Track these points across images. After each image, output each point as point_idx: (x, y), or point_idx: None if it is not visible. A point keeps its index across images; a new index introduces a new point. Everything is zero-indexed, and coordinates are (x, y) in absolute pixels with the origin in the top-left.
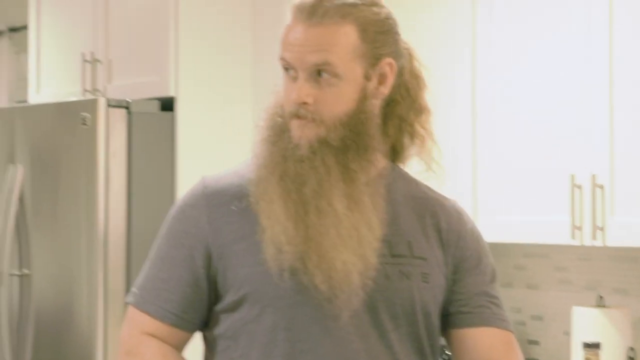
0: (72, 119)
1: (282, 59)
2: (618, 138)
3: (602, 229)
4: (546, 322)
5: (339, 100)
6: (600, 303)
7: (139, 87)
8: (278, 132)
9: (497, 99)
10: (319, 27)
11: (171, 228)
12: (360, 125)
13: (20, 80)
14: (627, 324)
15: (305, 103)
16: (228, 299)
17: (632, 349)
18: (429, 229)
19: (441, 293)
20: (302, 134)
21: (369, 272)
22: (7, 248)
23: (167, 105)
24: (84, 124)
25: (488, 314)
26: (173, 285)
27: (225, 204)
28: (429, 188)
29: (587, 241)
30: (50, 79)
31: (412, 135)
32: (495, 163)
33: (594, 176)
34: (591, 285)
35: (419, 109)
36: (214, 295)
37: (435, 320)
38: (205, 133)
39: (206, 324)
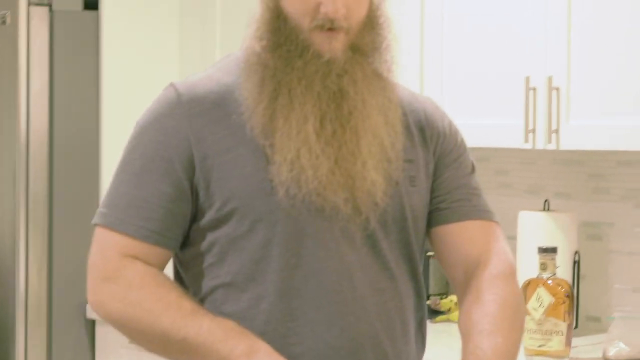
0: None
1: None
2: (575, 39)
3: (556, 132)
4: None
5: (363, 4)
6: (547, 207)
7: None
8: (301, 47)
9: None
10: None
11: (144, 140)
12: (379, 25)
13: None
14: (573, 228)
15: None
16: (212, 214)
17: (577, 252)
18: (412, 127)
19: (428, 194)
20: (331, 46)
21: (390, 190)
22: None
23: (91, 3)
24: (4, 23)
25: (467, 207)
26: (154, 201)
27: (207, 112)
28: (401, 86)
29: (541, 145)
30: None
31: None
32: (445, 64)
33: (549, 78)
34: (533, 189)
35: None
36: (195, 209)
37: (423, 224)
38: (131, 33)
39: (183, 242)
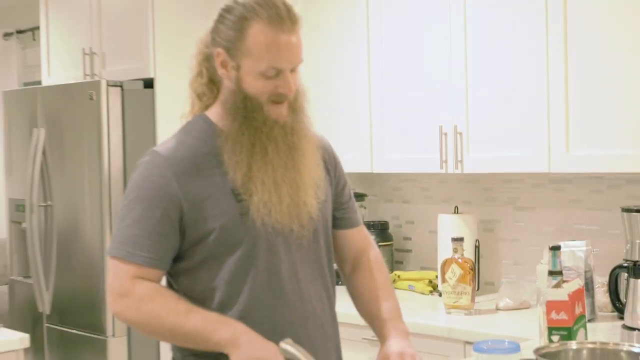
0: (82, 95)
1: (274, 67)
2: (472, 100)
3: (461, 161)
4: (416, 225)
5: (298, 79)
6: (456, 211)
7: (126, 71)
8: (262, 118)
9: (385, 71)
10: (297, 31)
11: (142, 195)
12: (302, 92)
13: (25, 68)
14: (474, 224)
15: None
16: (201, 241)
17: (477, 240)
18: (319, 160)
19: (331, 206)
20: (282, 114)
21: (319, 206)
22: (36, 187)
23: (149, 84)
24: (91, 99)
25: (355, 217)
26: (154, 238)
27: (187, 171)
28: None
29: (451, 170)
30: (58, 67)
31: None
32: (386, 118)
33: (455, 126)
34: (447, 199)
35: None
36: (184, 239)
37: (331, 226)
38: (177, 103)
39: (176, 260)
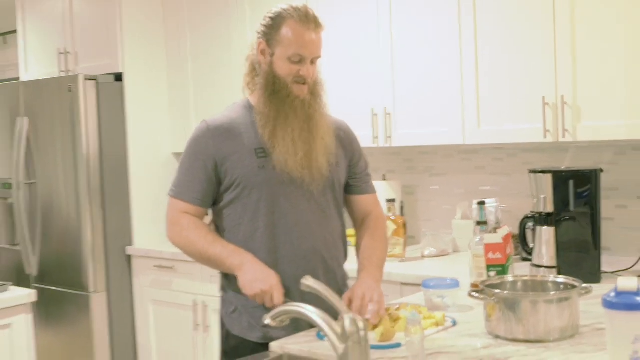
0: (62, 87)
1: (299, 54)
2: (398, 86)
3: (390, 137)
4: None
5: (316, 69)
6: (384, 178)
7: (97, 67)
8: (287, 93)
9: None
10: (319, 32)
11: (190, 151)
12: (319, 82)
13: (2, 66)
14: (399, 189)
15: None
16: (229, 188)
17: (402, 202)
18: (335, 137)
19: (345, 173)
20: (302, 93)
21: (329, 169)
22: (21, 167)
23: (118, 77)
24: (70, 91)
25: (366, 186)
26: (196, 182)
27: (222, 134)
28: (330, 115)
29: (382, 144)
30: (35, 65)
31: None
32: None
33: (385, 108)
34: (374, 169)
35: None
36: (220, 185)
37: (342, 188)
38: (143, 93)
39: (215, 203)
